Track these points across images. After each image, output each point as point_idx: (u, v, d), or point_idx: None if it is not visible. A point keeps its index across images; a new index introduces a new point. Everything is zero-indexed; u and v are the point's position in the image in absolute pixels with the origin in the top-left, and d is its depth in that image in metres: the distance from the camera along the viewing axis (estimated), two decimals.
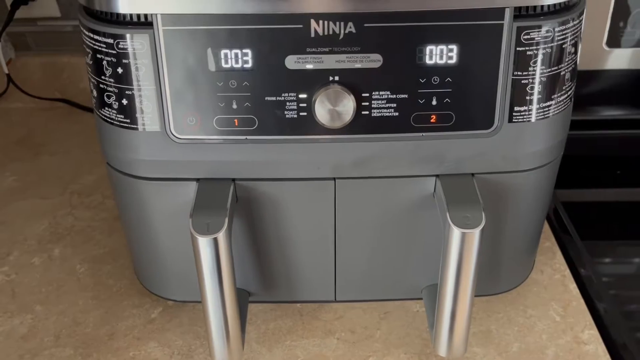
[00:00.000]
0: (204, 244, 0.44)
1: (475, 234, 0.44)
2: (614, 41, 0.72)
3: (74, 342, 0.56)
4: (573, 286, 0.61)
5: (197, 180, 0.47)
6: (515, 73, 0.44)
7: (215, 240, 0.44)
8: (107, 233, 0.68)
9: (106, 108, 0.46)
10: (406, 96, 0.44)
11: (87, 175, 0.77)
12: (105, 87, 0.45)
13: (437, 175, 0.48)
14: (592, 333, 0.56)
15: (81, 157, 0.80)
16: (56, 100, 0.90)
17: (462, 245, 0.44)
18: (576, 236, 0.66)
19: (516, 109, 0.45)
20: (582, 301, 0.60)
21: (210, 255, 0.44)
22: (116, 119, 0.46)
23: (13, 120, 0.88)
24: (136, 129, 0.45)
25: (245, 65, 0.43)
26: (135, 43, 0.43)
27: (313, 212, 0.50)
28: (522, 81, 0.45)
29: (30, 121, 0.88)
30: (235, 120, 0.45)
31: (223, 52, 0.43)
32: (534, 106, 0.46)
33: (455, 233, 0.44)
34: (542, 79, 0.45)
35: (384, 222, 0.51)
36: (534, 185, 0.50)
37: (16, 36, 0.88)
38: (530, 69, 0.44)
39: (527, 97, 0.45)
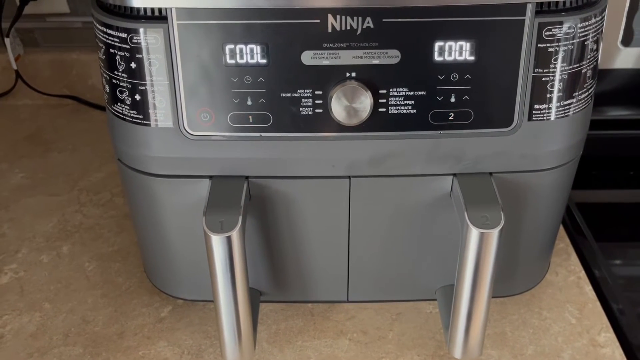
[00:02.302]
0: (217, 242, 0.43)
1: (494, 234, 0.43)
2: (629, 40, 0.71)
3: (83, 341, 0.55)
4: (589, 288, 0.60)
5: (210, 177, 0.47)
6: (536, 70, 0.43)
7: (229, 239, 0.43)
8: (116, 231, 0.67)
9: (118, 104, 0.45)
10: (424, 93, 0.43)
11: (95, 173, 0.76)
12: (118, 82, 0.44)
13: (454, 174, 0.47)
14: (608, 336, 0.55)
15: (90, 154, 0.80)
16: (65, 97, 0.89)
17: (481, 246, 0.43)
18: (591, 237, 0.65)
19: (536, 107, 0.45)
20: (597, 303, 0.59)
21: (224, 253, 0.43)
22: (128, 114, 0.45)
23: (21, 117, 0.88)
24: (149, 125, 0.45)
25: (261, 61, 0.42)
26: (149, 38, 0.42)
27: (327, 211, 0.49)
28: (543, 78, 0.44)
29: (38, 118, 0.87)
30: (250, 117, 0.44)
31: (238, 47, 0.42)
32: (554, 104, 0.45)
33: (474, 233, 0.43)
34: (563, 76, 0.44)
35: (399, 222, 0.50)
36: (553, 185, 0.49)
37: (25, 32, 0.87)
38: (552, 66, 0.43)
39: (548, 95, 0.44)
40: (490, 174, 0.47)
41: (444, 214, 0.49)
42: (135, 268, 0.62)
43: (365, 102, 0.43)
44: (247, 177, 0.47)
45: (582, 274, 0.62)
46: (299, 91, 0.43)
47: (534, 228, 0.51)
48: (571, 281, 0.61)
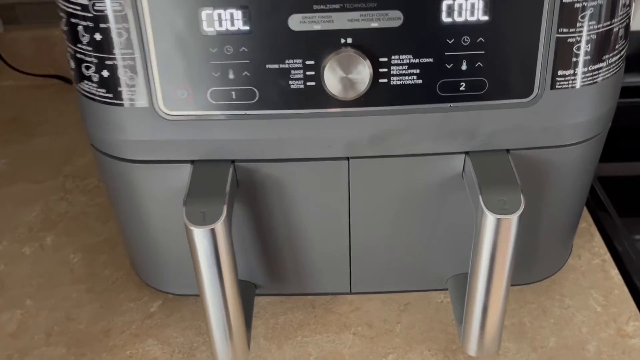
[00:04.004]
0: (199, 235, 0.38)
1: (513, 220, 0.38)
2: None
3: (67, 340, 0.51)
4: (615, 272, 0.55)
5: (192, 162, 0.42)
6: (560, 30, 0.38)
7: (213, 232, 0.38)
8: (103, 219, 0.63)
9: (85, 82, 0.40)
10: (431, 60, 0.38)
11: (81, 157, 0.72)
12: (83, 57, 0.39)
13: (466, 152, 0.41)
14: (637, 325, 0.51)
15: (76, 137, 0.75)
16: (49, 77, 0.84)
17: (498, 233, 0.38)
18: (614, 213, 0.60)
19: (560, 73, 0.39)
20: (625, 289, 0.54)
21: (208, 248, 0.39)
22: (97, 93, 0.40)
23: (4, 99, 0.83)
24: (120, 105, 0.40)
25: (242, 28, 0.37)
26: (113, 4, 0.36)
27: (324, 196, 0.44)
28: (568, 40, 0.38)
29: (22, 100, 0.83)
30: (233, 93, 0.39)
31: (216, 12, 0.37)
32: (580, 70, 0.39)
33: (490, 219, 0.38)
34: (591, 36, 0.38)
35: (405, 206, 0.45)
36: (578, 162, 0.43)
37: (4, 9, 0.82)
38: (578, 24, 0.38)
39: (573, 59, 0.39)
40: (508, 150, 0.41)
41: (455, 196, 0.44)
42: (123, 259, 0.58)
43: (363, 73, 0.37)
44: (233, 161, 0.42)
45: (607, 256, 0.57)
46: (287, 62, 0.38)
47: (556, 210, 0.46)
48: (595, 265, 0.56)
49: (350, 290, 0.51)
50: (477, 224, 0.39)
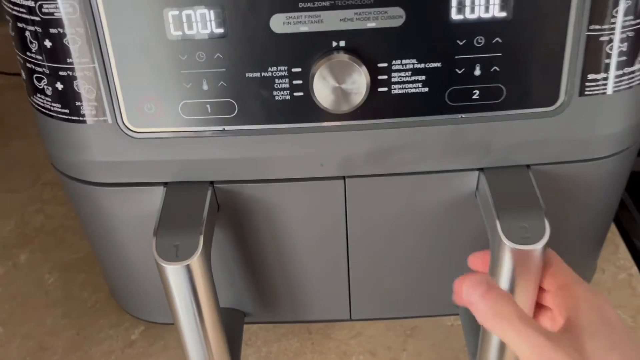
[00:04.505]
0: (173, 273, 0.33)
1: (536, 251, 0.32)
2: None
3: None
4: None
5: (165, 184, 0.36)
6: (591, 27, 0.32)
7: (188, 268, 0.33)
8: (82, 234, 0.58)
9: (38, 95, 0.35)
10: (439, 65, 0.33)
11: None
12: (33, 66, 0.33)
13: (480, 169, 0.36)
14: None
15: None
16: None
17: (518, 265, 0.33)
18: (634, 210, 0.57)
19: (590, 77, 0.33)
20: None
21: (183, 285, 0.34)
22: (52, 109, 0.35)
23: None
24: (80, 121, 0.34)
25: (216, 31, 0.31)
26: (64, 5, 0.31)
27: (318, 219, 0.39)
28: (600, 38, 0.32)
29: (1, 101, 0.77)
30: (208, 106, 0.34)
31: (184, 13, 0.31)
32: (613, 72, 0.34)
33: (509, 250, 0.32)
34: (627, 34, 0.33)
35: (409, 229, 0.40)
36: (608, 177, 0.38)
37: None
38: (612, 20, 0.32)
39: (606, 61, 0.33)
40: (528, 166, 0.36)
41: (467, 216, 0.38)
42: (103, 279, 0.53)
43: (359, 82, 0.32)
44: (211, 183, 0.36)
45: (634, 270, 0.52)
46: (269, 69, 0.32)
47: (581, 230, 0.41)
48: (622, 280, 0.51)
49: (350, 317, 0.46)
50: (494, 253, 0.34)
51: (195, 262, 0.33)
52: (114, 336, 0.50)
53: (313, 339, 0.49)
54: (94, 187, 0.37)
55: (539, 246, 0.32)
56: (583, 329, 0.28)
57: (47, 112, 0.35)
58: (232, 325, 0.44)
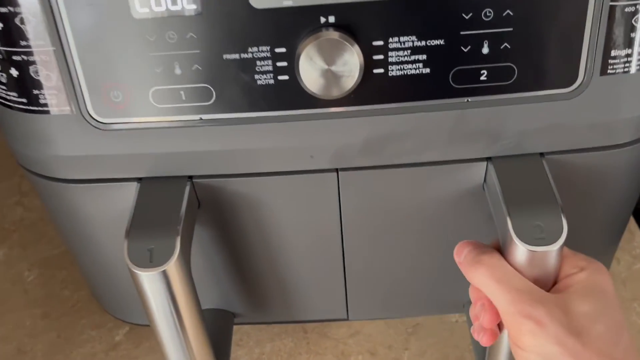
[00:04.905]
0: (147, 280, 0.30)
1: (552, 253, 0.29)
2: None
3: None
4: None
5: (139, 180, 0.33)
6: None
7: (164, 274, 0.30)
8: None
9: None
10: (441, 42, 0.29)
11: None
12: None
13: (488, 158, 0.32)
14: None
15: None
16: None
17: (532, 267, 0.29)
18: None
19: (613, 54, 0.30)
20: None
21: (159, 292, 0.31)
22: (8, 98, 0.31)
23: None
24: (40, 112, 0.31)
25: (188, 6, 0.28)
26: None
27: (309, 216, 0.35)
28: (626, 9, 0.29)
29: None
30: (182, 93, 0.30)
31: None
32: (637, 49, 0.30)
33: (521, 251, 0.29)
34: None
35: (410, 225, 0.36)
36: (630, 165, 0.34)
37: None
38: None
39: (632, 35, 0.29)
40: (542, 154, 0.32)
41: (473, 212, 0.35)
42: None
43: (351, 63, 0.28)
44: (190, 178, 0.33)
45: None
46: (250, 50, 0.29)
47: (597, 222, 0.37)
48: (637, 270, 0.48)
49: (348, 317, 0.42)
50: (506, 252, 0.30)
51: (172, 267, 0.30)
52: (96, 338, 0.47)
53: (309, 339, 0.46)
54: (62, 184, 0.34)
55: (555, 247, 0.29)
56: (573, 292, 0.28)
57: (3, 102, 0.31)
58: (220, 327, 0.41)
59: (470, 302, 0.35)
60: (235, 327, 0.45)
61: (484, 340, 0.31)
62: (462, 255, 0.31)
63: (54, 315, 0.48)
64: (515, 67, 0.30)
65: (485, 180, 0.33)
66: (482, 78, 0.30)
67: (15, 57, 0.29)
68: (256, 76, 0.29)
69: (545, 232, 0.29)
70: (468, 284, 0.39)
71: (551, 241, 0.29)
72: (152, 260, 0.30)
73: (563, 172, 0.33)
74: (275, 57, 0.29)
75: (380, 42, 0.29)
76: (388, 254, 0.38)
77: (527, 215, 0.30)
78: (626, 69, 0.30)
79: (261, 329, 0.47)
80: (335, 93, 0.29)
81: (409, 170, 0.33)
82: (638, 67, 0.30)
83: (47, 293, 0.50)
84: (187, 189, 0.33)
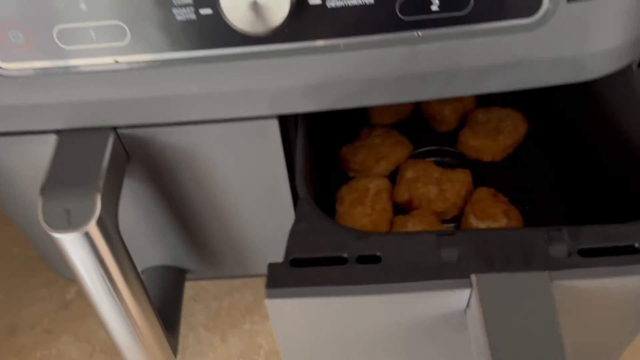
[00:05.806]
0: (67, 242, 0.27)
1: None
2: None
3: None
4: None
5: (58, 132, 0.30)
6: None
7: (87, 236, 0.27)
8: None
9: None
10: None
11: None
12: None
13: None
14: None
15: None
16: None
17: None
18: None
19: None
20: None
21: (81, 255, 0.28)
22: None
23: None
24: None
25: None
26: None
27: (252, 166, 0.33)
28: None
29: None
30: (92, 32, 0.26)
31: None
32: None
33: None
34: None
35: None
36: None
37: None
38: None
39: None
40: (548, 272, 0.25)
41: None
42: None
43: None
44: (114, 128, 0.30)
45: None
46: None
47: None
48: None
49: None
50: None
51: (94, 227, 0.27)
52: (47, 297, 0.45)
53: None
54: None
55: None
56: None
57: None
58: (169, 284, 0.39)
59: None
60: (192, 282, 0.43)
61: None
62: None
63: (2, 274, 0.46)
64: None
65: (468, 305, 0.27)
66: (434, 8, 0.26)
67: None
68: (174, 10, 0.26)
69: None
70: None
71: None
72: (70, 222, 0.27)
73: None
74: None
75: None
76: None
77: None
78: None
79: (219, 284, 0.45)
80: (263, 28, 0.25)
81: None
82: None
83: None
84: (111, 140, 0.29)
